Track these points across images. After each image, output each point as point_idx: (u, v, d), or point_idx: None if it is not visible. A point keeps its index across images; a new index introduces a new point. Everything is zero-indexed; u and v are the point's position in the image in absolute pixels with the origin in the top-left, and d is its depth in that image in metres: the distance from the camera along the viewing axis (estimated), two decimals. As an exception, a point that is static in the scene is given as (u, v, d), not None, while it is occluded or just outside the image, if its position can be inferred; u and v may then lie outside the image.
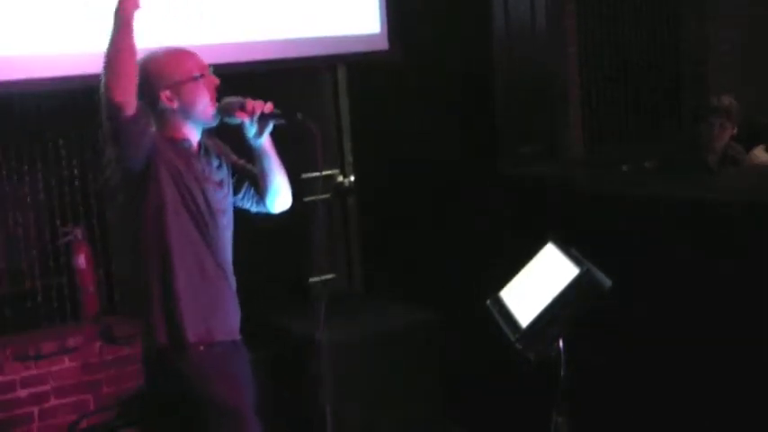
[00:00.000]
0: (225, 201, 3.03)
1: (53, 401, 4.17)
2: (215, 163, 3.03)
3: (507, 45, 5.22)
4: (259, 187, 3.09)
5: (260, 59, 4.29)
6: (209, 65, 2.97)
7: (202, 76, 2.92)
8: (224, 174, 3.05)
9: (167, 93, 2.89)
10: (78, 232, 4.32)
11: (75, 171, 4.38)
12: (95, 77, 3.90)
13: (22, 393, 4.10)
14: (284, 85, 4.55)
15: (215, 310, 2.97)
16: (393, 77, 4.88)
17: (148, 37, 3.94)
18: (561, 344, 2.75)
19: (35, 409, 4.14)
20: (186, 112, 2.92)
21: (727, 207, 3.69)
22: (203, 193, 2.93)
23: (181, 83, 2.89)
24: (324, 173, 4.60)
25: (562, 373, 2.78)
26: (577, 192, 4.35)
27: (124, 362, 4.31)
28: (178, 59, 2.93)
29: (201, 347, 2.91)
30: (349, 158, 4.90)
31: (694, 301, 3.64)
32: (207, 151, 3.02)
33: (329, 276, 4.57)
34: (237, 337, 3.06)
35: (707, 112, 4.53)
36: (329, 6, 4.52)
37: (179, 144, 2.94)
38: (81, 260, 4.32)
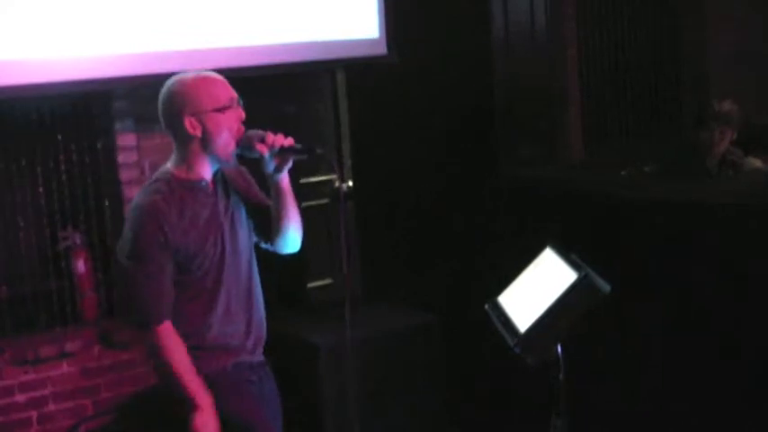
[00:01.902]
0: (240, 235, 2.97)
1: (51, 406, 4.17)
2: (230, 196, 2.96)
3: (506, 47, 5.22)
4: (270, 225, 2.99)
5: (258, 64, 4.27)
6: (238, 97, 2.87)
7: (229, 107, 2.83)
8: (239, 206, 2.98)
9: (192, 120, 2.80)
10: (77, 236, 4.32)
11: (75, 175, 4.38)
12: (95, 82, 3.95)
13: (21, 398, 4.10)
14: (283, 89, 4.55)
15: (228, 337, 2.94)
16: (392, 81, 4.88)
17: (148, 42, 4.00)
18: (559, 348, 2.75)
19: (34, 414, 4.14)
20: (207, 142, 2.83)
21: (726, 211, 3.68)
22: (221, 235, 2.89)
23: (206, 111, 2.80)
24: (321, 177, 4.60)
25: (560, 377, 2.77)
26: (577, 195, 4.34)
27: (123, 366, 4.31)
28: (207, 86, 2.83)
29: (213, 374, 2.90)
30: (348, 163, 4.88)
31: (694, 305, 3.64)
32: (224, 183, 2.95)
33: (327, 281, 4.56)
34: (257, 359, 3.03)
35: (707, 117, 4.52)
36: (328, 11, 4.52)
37: (194, 185, 2.87)
38: (80, 264, 4.32)
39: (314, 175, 4.55)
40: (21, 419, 4.10)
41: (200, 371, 2.88)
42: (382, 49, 4.66)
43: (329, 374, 4.13)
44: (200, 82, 2.84)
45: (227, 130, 2.82)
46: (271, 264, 4.36)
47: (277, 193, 2.92)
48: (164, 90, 2.88)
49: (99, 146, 4.40)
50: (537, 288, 2.89)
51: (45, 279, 4.33)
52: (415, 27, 4.85)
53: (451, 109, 4.98)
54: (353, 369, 4.09)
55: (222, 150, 2.85)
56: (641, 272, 3.74)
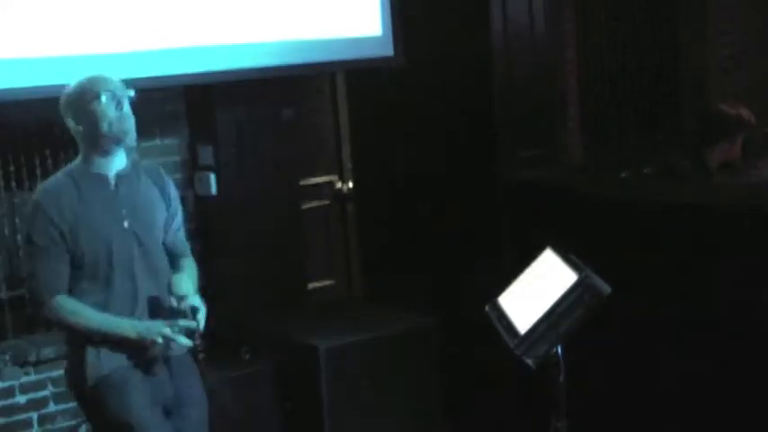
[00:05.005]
0: (147, 234, 3.08)
1: (52, 407, 4.17)
2: (140, 197, 3.08)
3: (506, 49, 5.21)
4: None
5: (258, 66, 4.25)
6: (121, 80, 3.06)
7: (97, 99, 2.99)
8: (148, 196, 3.10)
9: (68, 120, 3.03)
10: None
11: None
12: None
13: (21, 399, 4.10)
14: (281, 90, 4.54)
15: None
16: (392, 83, 4.88)
17: (149, 40, 3.99)
18: (560, 349, 2.75)
19: (34, 415, 4.14)
20: (89, 136, 3.01)
21: (727, 212, 3.69)
22: (117, 230, 3.01)
23: (81, 106, 3.00)
24: (322, 179, 4.61)
25: (561, 379, 2.77)
26: (576, 196, 4.34)
27: (123, 367, 4.30)
28: (81, 86, 3.04)
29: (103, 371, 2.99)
30: (348, 164, 4.89)
31: (694, 306, 3.64)
32: (129, 178, 3.08)
33: (328, 283, 4.57)
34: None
35: (733, 128, 4.45)
36: (328, 8, 4.49)
37: (93, 177, 3.03)
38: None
39: (314, 176, 4.56)
40: (21, 420, 4.10)
41: (101, 369, 2.96)
42: (385, 48, 4.63)
43: (329, 376, 4.12)
44: (77, 86, 3.04)
45: (104, 117, 2.98)
46: (271, 265, 4.37)
47: None
48: None
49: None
50: (537, 289, 2.89)
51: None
52: (413, 29, 4.85)
53: (450, 110, 4.98)
54: (354, 370, 4.10)
55: (106, 135, 2.98)
56: (641, 273, 3.74)
